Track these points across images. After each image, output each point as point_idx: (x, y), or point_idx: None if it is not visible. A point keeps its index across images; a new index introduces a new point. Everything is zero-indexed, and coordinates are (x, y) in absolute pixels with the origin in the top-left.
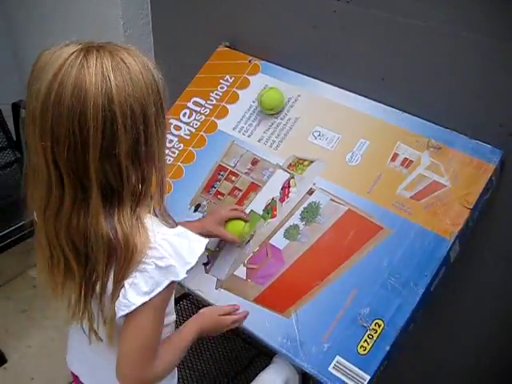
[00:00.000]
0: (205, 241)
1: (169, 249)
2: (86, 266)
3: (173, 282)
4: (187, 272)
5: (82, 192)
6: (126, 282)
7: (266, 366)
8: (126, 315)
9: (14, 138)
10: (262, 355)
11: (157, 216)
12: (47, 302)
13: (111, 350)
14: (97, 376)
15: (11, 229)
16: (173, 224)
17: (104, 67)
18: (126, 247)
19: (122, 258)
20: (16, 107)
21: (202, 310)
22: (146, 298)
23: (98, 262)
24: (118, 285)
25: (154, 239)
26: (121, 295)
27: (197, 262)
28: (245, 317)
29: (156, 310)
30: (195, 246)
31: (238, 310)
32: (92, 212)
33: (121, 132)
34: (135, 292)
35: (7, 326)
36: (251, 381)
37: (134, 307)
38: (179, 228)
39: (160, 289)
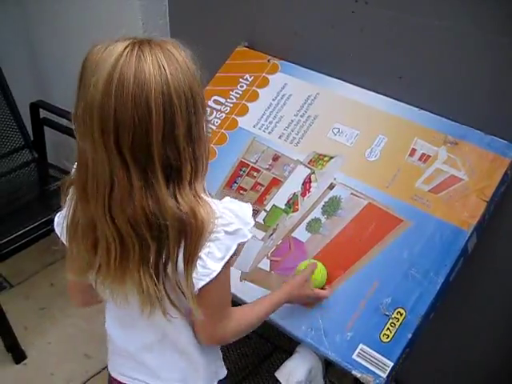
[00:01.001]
0: (247, 204)
1: (231, 215)
2: (160, 246)
3: (240, 244)
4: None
5: (147, 174)
6: (203, 253)
7: (283, 360)
8: (202, 288)
9: (32, 138)
10: (278, 350)
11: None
12: (66, 300)
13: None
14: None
15: (29, 227)
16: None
17: (158, 58)
18: (195, 219)
19: (193, 231)
20: (34, 107)
21: (293, 280)
22: (222, 263)
23: (172, 239)
24: (192, 259)
25: (217, 209)
26: (199, 266)
27: None
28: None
29: (227, 271)
30: (246, 209)
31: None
32: (160, 192)
33: (178, 115)
34: (212, 260)
35: (26, 323)
36: (268, 375)
37: (215, 274)
38: (228, 198)
39: (231, 252)
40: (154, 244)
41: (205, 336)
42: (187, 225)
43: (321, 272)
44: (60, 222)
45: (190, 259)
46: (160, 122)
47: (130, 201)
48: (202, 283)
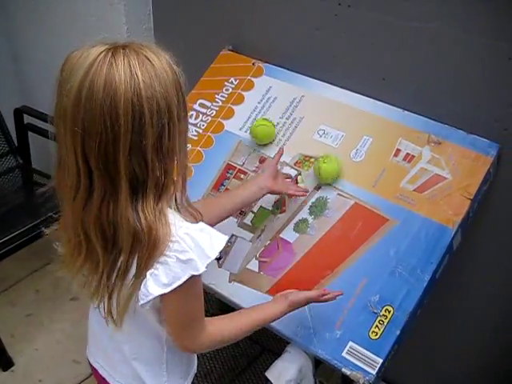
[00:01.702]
0: (225, 237)
1: (190, 243)
2: (111, 254)
3: (192, 276)
4: (207, 266)
5: (110, 184)
6: (148, 273)
7: (271, 362)
8: (162, 298)
9: (16, 144)
10: (266, 352)
11: (179, 210)
12: (52, 306)
13: (125, 336)
14: (114, 366)
15: (13, 234)
16: (197, 215)
17: (131, 65)
18: (149, 237)
19: (145, 247)
20: (18, 113)
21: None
22: (166, 290)
23: (125, 251)
24: (140, 274)
25: (176, 233)
26: (142, 285)
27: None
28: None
29: (186, 296)
30: (216, 241)
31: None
32: (121, 203)
33: (148, 125)
34: (155, 283)
35: (13, 330)
36: (256, 376)
37: (151, 297)
38: (201, 224)
39: (180, 282)
40: (102, 252)
41: (177, 344)
42: (142, 238)
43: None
44: None
45: (139, 274)
46: (128, 131)
47: (87, 206)
48: (141, 302)
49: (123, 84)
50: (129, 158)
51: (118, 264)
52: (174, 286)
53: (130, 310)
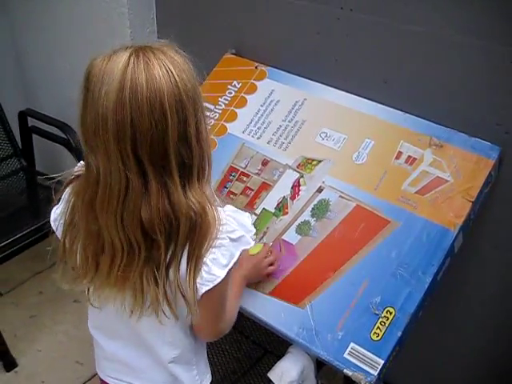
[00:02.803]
0: (248, 214)
1: (233, 222)
2: (167, 246)
3: (243, 250)
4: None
5: (164, 176)
6: (208, 259)
7: (273, 364)
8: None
9: (20, 147)
10: (268, 354)
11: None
12: (56, 307)
13: (165, 338)
14: (140, 374)
15: (17, 236)
16: (220, 203)
17: (164, 63)
18: (204, 220)
19: (201, 231)
20: (23, 115)
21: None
22: (226, 270)
23: (180, 239)
24: (197, 261)
25: (223, 216)
26: (203, 272)
27: None
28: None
29: (229, 277)
30: (246, 218)
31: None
32: (173, 192)
33: (189, 115)
34: (217, 266)
35: (16, 331)
36: (258, 378)
37: (219, 280)
38: (230, 205)
39: (235, 259)
40: (163, 244)
41: (205, 334)
42: (197, 223)
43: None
44: (57, 218)
45: (194, 262)
46: (175, 122)
47: (145, 205)
48: (205, 288)
49: (163, 80)
50: (177, 147)
51: (169, 254)
52: (231, 264)
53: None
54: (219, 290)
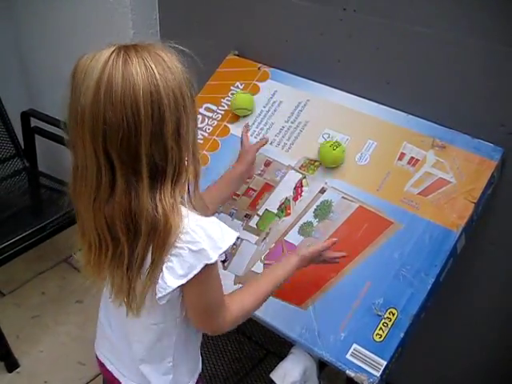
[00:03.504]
0: (235, 233)
1: (201, 233)
2: (132, 244)
3: (206, 265)
4: (219, 256)
5: (132, 175)
6: (164, 266)
7: (275, 365)
8: (183, 290)
9: (23, 147)
10: (270, 355)
11: (191, 202)
12: (58, 308)
13: (137, 336)
14: (121, 360)
15: (20, 236)
16: (206, 209)
17: (145, 60)
18: (164, 226)
19: (160, 237)
20: (25, 116)
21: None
22: (183, 281)
23: (142, 239)
24: (155, 265)
25: (188, 224)
26: (160, 278)
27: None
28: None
29: (204, 284)
30: (227, 235)
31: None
32: (142, 192)
33: (167, 114)
34: (172, 275)
35: (18, 331)
36: (261, 379)
37: (170, 290)
38: (212, 217)
39: (195, 272)
40: (126, 243)
41: (202, 329)
42: (157, 227)
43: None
44: None
45: (154, 265)
46: (148, 121)
47: (110, 203)
48: (159, 295)
49: (140, 76)
50: (150, 146)
51: (136, 253)
52: (190, 276)
53: (146, 308)
54: (197, 290)
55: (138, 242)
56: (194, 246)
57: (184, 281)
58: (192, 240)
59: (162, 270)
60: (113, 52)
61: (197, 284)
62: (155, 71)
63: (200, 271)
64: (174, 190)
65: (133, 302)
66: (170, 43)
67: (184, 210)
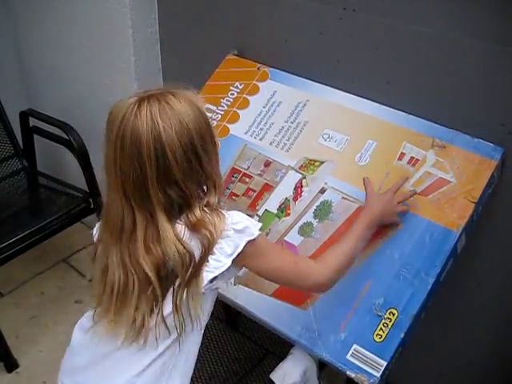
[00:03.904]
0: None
1: (238, 216)
2: (166, 283)
3: (249, 242)
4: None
5: (148, 213)
6: (215, 249)
7: (275, 365)
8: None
9: (21, 147)
10: (270, 355)
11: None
12: (57, 308)
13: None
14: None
15: (19, 237)
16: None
17: (153, 114)
18: (201, 228)
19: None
20: (24, 116)
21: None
22: (231, 259)
23: (180, 276)
24: (204, 259)
25: (227, 213)
26: (211, 260)
27: None
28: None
29: (259, 260)
30: (253, 220)
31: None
32: (162, 230)
33: (172, 163)
34: (223, 255)
35: (18, 332)
36: (260, 379)
37: (225, 267)
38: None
39: (239, 249)
40: (157, 282)
41: (303, 289)
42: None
43: None
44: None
45: (197, 272)
46: (152, 170)
47: (132, 239)
48: (211, 275)
49: (145, 132)
50: (160, 190)
51: (176, 291)
52: (236, 254)
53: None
54: (257, 266)
55: (171, 280)
56: (238, 225)
57: (231, 259)
58: (234, 221)
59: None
60: (130, 105)
61: (253, 259)
62: (160, 126)
63: (243, 249)
64: (206, 202)
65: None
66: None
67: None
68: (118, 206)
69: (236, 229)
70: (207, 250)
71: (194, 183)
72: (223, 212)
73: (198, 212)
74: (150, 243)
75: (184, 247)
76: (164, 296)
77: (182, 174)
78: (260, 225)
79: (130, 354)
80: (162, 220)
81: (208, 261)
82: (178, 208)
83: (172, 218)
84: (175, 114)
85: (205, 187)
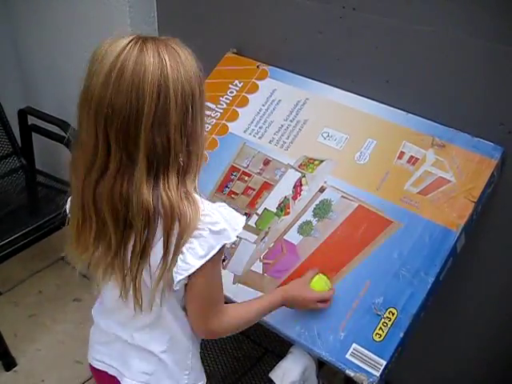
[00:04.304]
0: (243, 217)
1: (218, 215)
2: (123, 230)
3: (223, 246)
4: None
5: (127, 159)
6: (184, 248)
7: (274, 364)
8: (189, 278)
9: (20, 145)
10: (269, 354)
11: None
12: (55, 306)
13: (153, 330)
14: (129, 364)
15: (17, 235)
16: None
17: (160, 51)
18: (171, 216)
19: (169, 226)
20: (23, 114)
21: (291, 282)
22: (203, 261)
23: (137, 228)
24: (176, 252)
25: (205, 208)
26: (179, 261)
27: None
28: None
29: (214, 269)
30: (238, 217)
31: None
32: (136, 179)
33: (172, 105)
34: (193, 256)
35: (16, 330)
36: (259, 378)
37: (193, 269)
38: (222, 203)
39: (214, 251)
40: (112, 227)
41: (197, 329)
42: (153, 220)
43: (321, 283)
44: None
45: (169, 252)
46: (151, 108)
47: (100, 181)
48: (179, 277)
49: (151, 65)
50: (150, 134)
51: (131, 244)
52: (210, 256)
53: (158, 301)
54: (203, 281)
55: (131, 231)
56: (215, 226)
57: (204, 261)
58: (212, 221)
59: (181, 253)
60: (131, 40)
61: (206, 269)
62: (167, 63)
63: (217, 252)
64: (184, 181)
65: (138, 296)
66: None
67: (197, 197)
68: (91, 142)
69: (212, 230)
70: (174, 247)
71: (181, 141)
72: (197, 203)
73: (172, 184)
74: (117, 188)
75: (152, 206)
76: (120, 245)
77: (175, 122)
78: (239, 231)
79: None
80: (142, 168)
81: (176, 261)
82: (156, 165)
83: (149, 171)
84: (181, 58)
85: (186, 152)
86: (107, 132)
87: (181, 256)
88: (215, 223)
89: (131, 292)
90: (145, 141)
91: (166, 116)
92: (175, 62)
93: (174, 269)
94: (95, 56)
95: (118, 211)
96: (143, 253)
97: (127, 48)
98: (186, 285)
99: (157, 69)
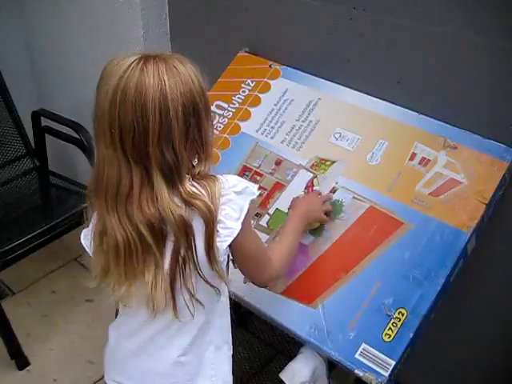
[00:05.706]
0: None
1: (233, 178)
2: (164, 243)
3: (251, 202)
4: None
5: (145, 172)
6: (221, 216)
7: (284, 364)
8: (232, 245)
9: (33, 147)
10: (279, 354)
11: None
12: (68, 307)
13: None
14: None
15: (30, 236)
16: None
17: (160, 71)
18: (207, 214)
19: (206, 218)
20: (36, 116)
21: (295, 204)
22: (240, 222)
23: (177, 236)
24: (212, 241)
25: (221, 177)
26: (220, 229)
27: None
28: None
29: (249, 224)
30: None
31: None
32: (157, 191)
33: (173, 122)
34: (231, 220)
35: (29, 330)
36: (270, 379)
37: (236, 232)
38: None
39: (245, 211)
40: (158, 245)
41: (258, 282)
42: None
43: None
44: (87, 234)
45: (211, 242)
46: (156, 125)
47: (130, 200)
48: (226, 244)
49: (152, 86)
50: (158, 148)
51: (182, 251)
52: (243, 216)
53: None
54: (246, 238)
55: (176, 242)
56: (236, 187)
57: (240, 222)
58: (232, 184)
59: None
60: (134, 60)
61: (244, 230)
62: (166, 83)
63: (247, 211)
64: (198, 171)
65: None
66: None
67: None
68: (114, 164)
69: (236, 191)
70: (210, 222)
71: (187, 150)
72: (217, 176)
73: (187, 185)
74: (145, 203)
75: (178, 211)
76: (163, 254)
77: (179, 137)
78: (257, 186)
79: (168, 333)
80: (159, 180)
81: (218, 230)
82: (170, 175)
83: (167, 181)
84: (181, 76)
85: (196, 157)
86: (124, 149)
87: (220, 224)
88: (235, 185)
89: (169, 303)
90: (154, 154)
91: (170, 131)
92: (174, 81)
93: (218, 239)
94: (102, 76)
95: (154, 226)
96: (188, 258)
97: (130, 69)
98: (228, 256)
99: (157, 89)
